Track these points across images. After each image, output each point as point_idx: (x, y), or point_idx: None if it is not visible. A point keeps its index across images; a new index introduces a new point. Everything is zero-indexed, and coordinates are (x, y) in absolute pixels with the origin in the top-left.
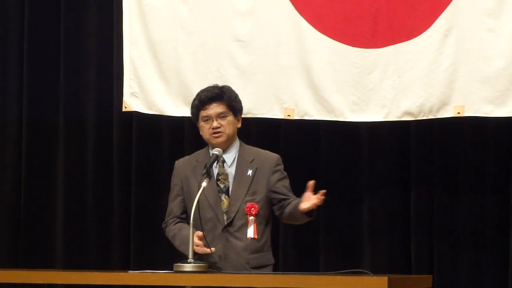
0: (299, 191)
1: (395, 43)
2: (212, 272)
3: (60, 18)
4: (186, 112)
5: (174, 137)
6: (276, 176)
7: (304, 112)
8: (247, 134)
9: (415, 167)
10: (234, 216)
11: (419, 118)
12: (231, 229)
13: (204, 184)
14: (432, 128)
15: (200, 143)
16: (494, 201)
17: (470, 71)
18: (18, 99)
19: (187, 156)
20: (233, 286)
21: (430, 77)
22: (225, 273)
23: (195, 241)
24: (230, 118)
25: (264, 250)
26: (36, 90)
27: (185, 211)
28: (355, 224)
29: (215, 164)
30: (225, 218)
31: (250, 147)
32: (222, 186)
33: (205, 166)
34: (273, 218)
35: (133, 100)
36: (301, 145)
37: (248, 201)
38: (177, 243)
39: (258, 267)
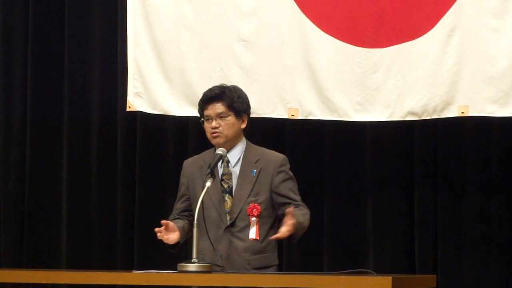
0: (303, 192)
1: (399, 43)
2: (215, 272)
3: (64, 18)
4: (190, 112)
5: (178, 137)
6: (280, 177)
7: (308, 112)
8: (251, 134)
9: (419, 167)
10: (237, 217)
11: (423, 118)
12: (234, 230)
13: (208, 184)
14: (436, 128)
15: (204, 143)
16: (498, 201)
17: (474, 71)
18: (22, 98)
19: (196, 156)
20: (237, 286)
21: (434, 77)
22: (228, 273)
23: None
24: (231, 119)
25: (267, 251)
26: (40, 90)
27: (188, 209)
28: (359, 224)
29: (220, 164)
30: (228, 218)
31: (257, 147)
32: (226, 186)
33: (209, 166)
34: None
35: (137, 100)
36: (305, 145)
37: (250, 201)
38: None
39: (260, 268)
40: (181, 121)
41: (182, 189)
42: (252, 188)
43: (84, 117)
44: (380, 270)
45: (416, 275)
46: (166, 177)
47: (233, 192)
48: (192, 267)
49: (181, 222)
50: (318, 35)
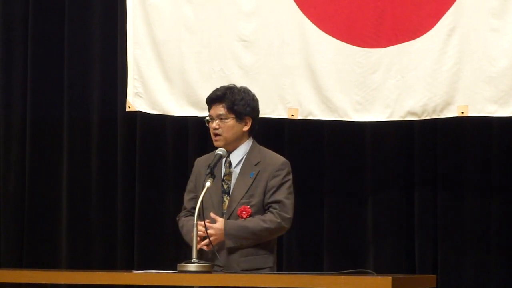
0: (303, 191)
1: (398, 43)
2: (215, 272)
3: (64, 18)
4: (190, 112)
5: (178, 137)
6: (275, 181)
7: (308, 112)
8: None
9: (419, 166)
10: (229, 218)
11: (422, 117)
12: None
13: (208, 184)
14: (436, 128)
15: (204, 143)
16: (498, 201)
17: (474, 71)
18: (22, 99)
19: (208, 154)
20: (236, 286)
21: (434, 77)
22: (228, 273)
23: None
24: (230, 121)
25: (259, 253)
26: (40, 90)
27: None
28: (359, 224)
29: (223, 164)
30: (224, 218)
31: (263, 149)
32: (225, 186)
33: (209, 166)
34: None
35: (137, 100)
36: (305, 145)
37: (243, 203)
38: (184, 231)
39: (250, 270)
40: (181, 121)
41: (190, 185)
42: (248, 190)
43: (84, 117)
44: (380, 270)
45: (416, 275)
46: (166, 177)
47: (230, 193)
48: (192, 267)
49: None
50: (318, 35)
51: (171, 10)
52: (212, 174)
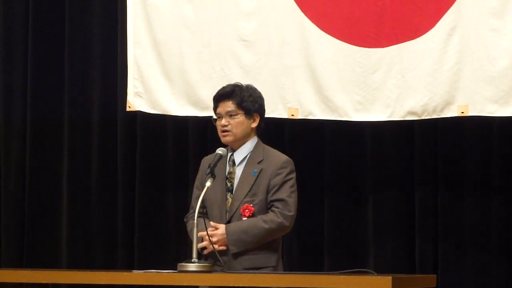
0: (303, 191)
1: (399, 43)
2: (216, 272)
3: (65, 18)
4: (190, 111)
5: (178, 136)
6: (277, 179)
7: (308, 111)
8: None
9: (419, 166)
10: (232, 216)
11: (423, 117)
12: None
13: (208, 183)
14: (436, 127)
15: (204, 143)
16: (499, 201)
17: (474, 70)
18: (23, 98)
19: (214, 153)
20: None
21: (434, 77)
22: (229, 272)
23: (199, 245)
24: (240, 118)
25: (261, 252)
26: (41, 90)
27: (203, 206)
28: (359, 224)
29: (227, 162)
30: (227, 216)
31: (266, 147)
32: (229, 185)
33: (209, 166)
34: None
35: (137, 99)
36: (305, 144)
37: (246, 202)
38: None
39: (252, 269)
40: (181, 121)
41: (197, 183)
42: (250, 188)
43: (84, 117)
44: (380, 270)
45: (416, 275)
46: (166, 177)
47: (233, 191)
48: (192, 267)
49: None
50: (318, 35)
51: (171, 10)
52: (212, 174)
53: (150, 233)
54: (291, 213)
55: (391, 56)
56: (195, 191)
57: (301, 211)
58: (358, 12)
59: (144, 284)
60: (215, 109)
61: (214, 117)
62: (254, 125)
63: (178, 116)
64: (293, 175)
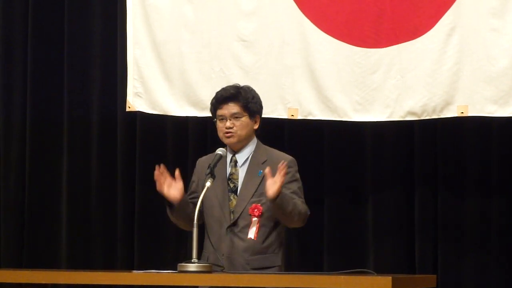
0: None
1: (398, 43)
2: (216, 272)
3: (64, 18)
4: (190, 112)
5: (178, 137)
6: (286, 178)
7: (307, 112)
8: None
9: (419, 166)
10: (239, 216)
11: (422, 118)
12: (235, 229)
13: (207, 184)
14: (436, 128)
15: (204, 143)
16: (499, 201)
17: (474, 70)
18: (22, 99)
19: (210, 154)
20: (237, 286)
21: (434, 77)
22: (229, 273)
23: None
24: (245, 119)
25: (268, 252)
26: (41, 90)
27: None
28: (359, 224)
29: (228, 163)
30: (231, 217)
31: (267, 148)
32: (232, 185)
33: (209, 166)
34: None
35: (137, 100)
36: (305, 145)
37: (254, 202)
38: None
39: (260, 269)
40: (181, 121)
41: (192, 186)
42: (257, 188)
43: (84, 117)
44: (380, 270)
45: (416, 275)
46: None
47: (238, 192)
48: (192, 267)
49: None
50: (318, 35)
51: (171, 10)
52: (212, 174)
53: (150, 233)
54: (309, 213)
55: (390, 56)
56: (188, 194)
57: None
58: (357, 12)
59: (144, 284)
60: (215, 110)
61: (218, 118)
62: (256, 126)
63: (178, 116)
64: (298, 175)
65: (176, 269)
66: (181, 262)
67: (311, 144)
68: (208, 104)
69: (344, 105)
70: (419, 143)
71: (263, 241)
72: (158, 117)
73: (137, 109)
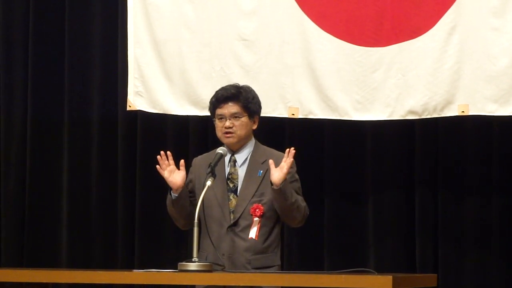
0: (303, 191)
1: (399, 42)
2: (216, 271)
3: (65, 18)
4: (190, 111)
5: (179, 136)
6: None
7: (308, 111)
8: None
9: (420, 166)
10: (240, 216)
11: (423, 116)
12: (236, 229)
13: (208, 183)
14: (437, 127)
15: (204, 142)
16: (499, 201)
17: (475, 69)
18: (23, 98)
19: (205, 154)
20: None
21: (435, 76)
22: (229, 272)
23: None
24: (244, 119)
25: (269, 252)
26: (41, 89)
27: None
28: (360, 223)
29: (227, 163)
30: (231, 217)
31: (266, 148)
32: (231, 185)
33: (209, 165)
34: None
35: (138, 99)
36: (305, 144)
37: (254, 202)
38: (167, 200)
39: (261, 268)
40: (182, 121)
41: (189, 186)
42: (257, 188)
43: (84, 116)
44: (380, 270)
45: (416, 274)
46: None
47: (238, 192)
48: (192, 266)
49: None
50: (318, 34)
51: (171, 10)
52: (213, 173)
53: (150, 233)
54: (308, 213)
55: (391, 55)
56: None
57: None
58: (358, 11)
59: (145, 283)
60: (215, 109)
61: (218, 118)
62: (255, 126)
63: (178, 115)
64: (297, 174)
65: (176, 269)
66: (182, 261)
67: (312, 143)
68: (208, 103)
69: (344, 104)
70: (419, 142)
71: (264, 241)
72: (159, 116)
73: (137, 108)
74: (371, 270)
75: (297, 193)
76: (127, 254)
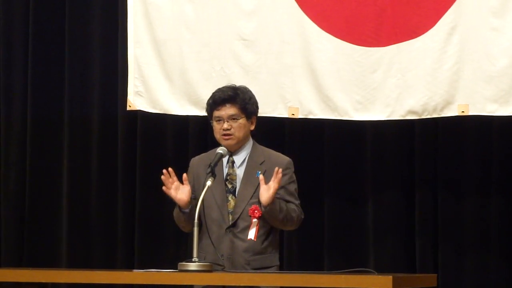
0: (303, 192)
1: (399, 42)
2: (216, 272)
3: (65, 18)
4: (190, 111)
5: (179, 136)
6: (283, 180)
7: (308, 111)
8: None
9: (420, 166)
10: (238, 217)
11: (423, 117)
12: (235, 230)
13: (208, 183)
14: (437, 127)
15: (204, 142)
16: (499, 201)
17: (474, 70)
18: (23, 98)
19: (203, 154)
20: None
21: (434, 76)
22: (229, 272)
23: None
24: (242, 121)
25: (268, 252)
26: (41, 89)
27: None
28: (360, 224)
29: (225, 164)
30: (230, 218)
31: (264, 148)
32: (230, 186)
33: (209, 165)
34: None
35: (138, 99)
36: (305, 144)
37: (253, 203)
38: (175, 212)
39: (260, 269)
40: (182, 120)
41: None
42: (256, 189)
43: (84, 116)
44: (380, 270)
45: (416, 274)
46: None
47: (236, 193)
48: (192, 266)
49: None
50: (318, 34)
51: (171, 9)
52: (213, 174)
53: (150, 233)
54: (302, 216)
55: (390, 55)
56: None
57: None
58: (358, 11)
59: (144, 283)
60: (212, 111)
61: (215, 120)
62: (252, 127)
63: (178, 115)
64: (295, 177)
65: (176, 269)
66: (182, 261)
67: (312, 143)
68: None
69: (344, 104)
70: (419, 142)
71: (263, 242)
72: (159, 116)
73: (137, 108)
74: (371, 270)
75: (294, 196)
76: (127, 254)
